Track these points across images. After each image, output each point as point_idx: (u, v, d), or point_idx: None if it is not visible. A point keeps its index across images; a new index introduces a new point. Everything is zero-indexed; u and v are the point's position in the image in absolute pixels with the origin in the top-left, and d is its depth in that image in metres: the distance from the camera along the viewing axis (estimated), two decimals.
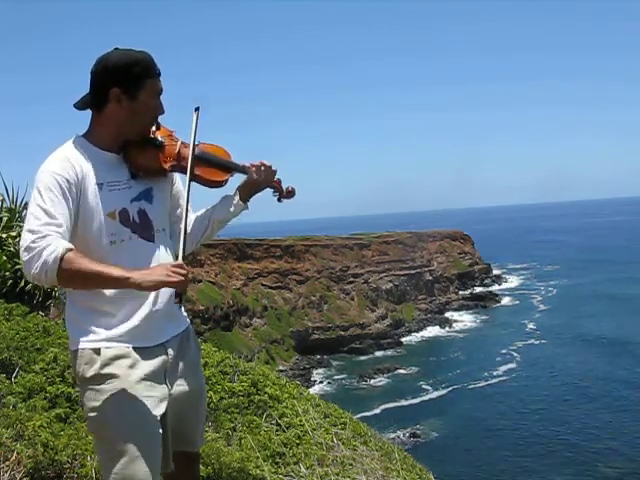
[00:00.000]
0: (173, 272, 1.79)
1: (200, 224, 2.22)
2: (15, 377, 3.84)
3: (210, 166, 2.13)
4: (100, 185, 1.92)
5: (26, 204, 6.50)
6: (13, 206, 6.60)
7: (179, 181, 2.20)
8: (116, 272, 1.78)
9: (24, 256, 1.74)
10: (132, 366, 1.90)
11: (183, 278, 1.80)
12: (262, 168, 2.17)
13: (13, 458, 2.77)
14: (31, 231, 1.75)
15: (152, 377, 1.93)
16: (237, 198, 2.18)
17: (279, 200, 2.25)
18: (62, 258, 1.72)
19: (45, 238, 1.74)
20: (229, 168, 2.18)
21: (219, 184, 2.17)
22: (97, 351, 1.89)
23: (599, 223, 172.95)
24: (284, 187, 2.24)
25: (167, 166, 2.07)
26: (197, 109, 2.10)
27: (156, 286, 1.79)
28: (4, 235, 6.03)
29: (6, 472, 2.69)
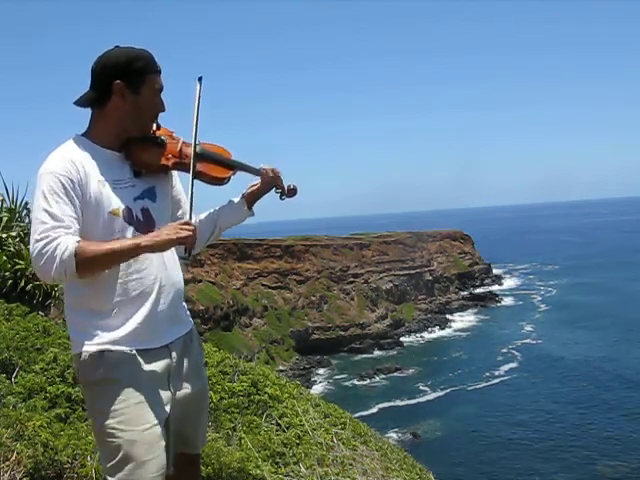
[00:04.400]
0: (181, 229, 1.85)
1: (207, 228, 2.22)
2: (15, 377, 3.84)
3: (212, 163, 2.13)
4: (103, 182, 1.90)
5: (26, 204, 6.49)
6: (13, 206, 6.58)
7: (179, 182, 2.20)
8: (126, 243, 1.83)
9: (38, 262, 1.75)
10: (136, 370, 1.89)
11: (191, 233, 1.86)
12: (270, 174, 2.20)
13: (13, 458, 2.77)
14: (39, 239, 1.75)
15: (156, 380, 1.92)
16: (244, 206, 2.22)
17: (281, 198, 2.27)
18: (76, 252, 1.74)
19: (54, 240, 1.74)
20: (231, 166, 2.18)
21: (221, 181, 2.16)
22: (101, 354, 1.87)
23: (599, 223, 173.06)
24: (286, 185, 2.25)
25: (170, 163, 2.06)
26: (200, 79, 2.09)
27: (167, 244, 1.84)
28: (4, 235, 6.02)
29: (6, 472, 2.69)
